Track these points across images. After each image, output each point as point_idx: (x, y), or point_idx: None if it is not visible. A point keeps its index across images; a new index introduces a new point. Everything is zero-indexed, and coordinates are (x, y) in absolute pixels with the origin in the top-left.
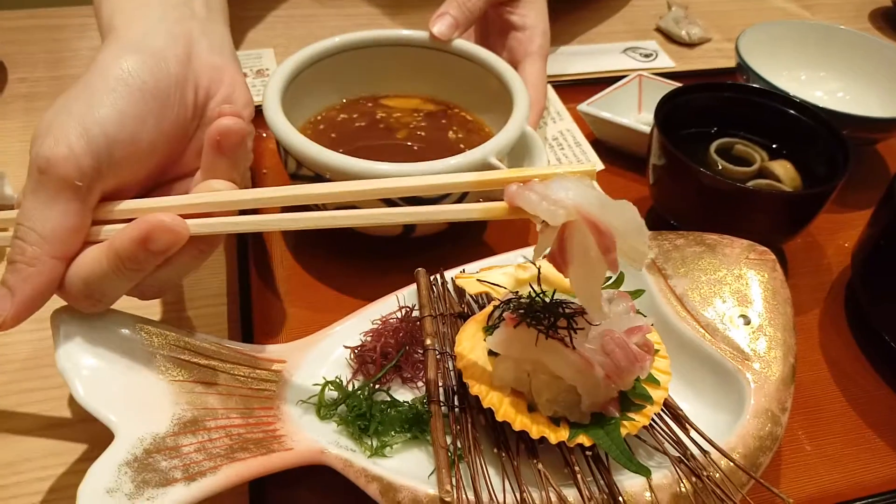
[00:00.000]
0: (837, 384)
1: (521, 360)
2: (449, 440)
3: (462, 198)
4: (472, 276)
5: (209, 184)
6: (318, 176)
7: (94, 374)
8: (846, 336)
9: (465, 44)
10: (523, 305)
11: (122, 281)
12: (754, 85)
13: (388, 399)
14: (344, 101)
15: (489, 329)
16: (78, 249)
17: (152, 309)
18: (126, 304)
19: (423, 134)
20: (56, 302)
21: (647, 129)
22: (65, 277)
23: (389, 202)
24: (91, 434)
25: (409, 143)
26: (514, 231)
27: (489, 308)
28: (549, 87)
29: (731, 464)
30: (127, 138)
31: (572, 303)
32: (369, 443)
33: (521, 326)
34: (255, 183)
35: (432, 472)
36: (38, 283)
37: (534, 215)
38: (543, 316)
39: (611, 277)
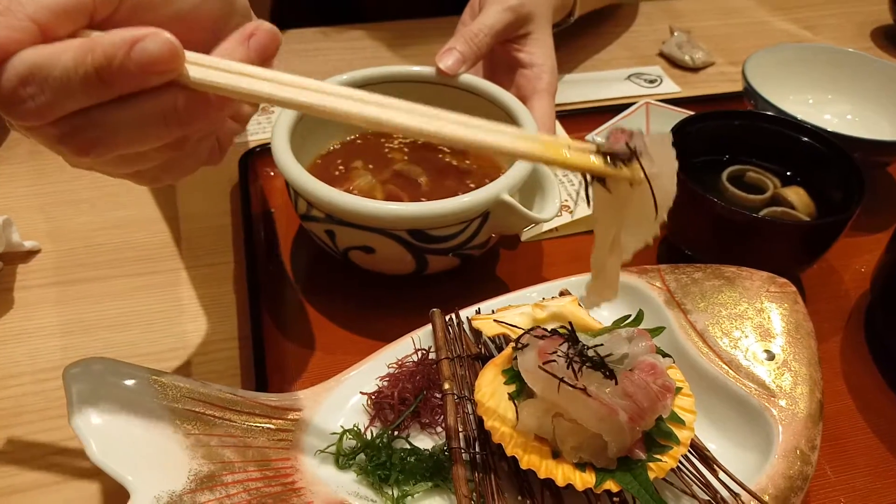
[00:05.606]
0: (862, 415)
1: (547, 405)
2: (471, 487)
3: (476, 234)
4: (489, 317)
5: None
6: (329, 217)
7: (108, 431)
8: (868, 364)
9: (473, 78)
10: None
11: (77, 90)
12: (765, 112)
13: (408, 447)
14: (350, 137)
15: (508, 372)
16: (59, 35)
17: (163, 356)
18: (138, 350)
19: (433, 169)
20: (68, 357)
21: None
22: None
23: (399, 239)
24: (106, 487)
25: (420, 179)
26: (526, 265)
27: (508, 350)
28: (557, 122)
29: None
30: None
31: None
32: (390, 492)
33: (549, 364)
34: (265, 223)
35: None
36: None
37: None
38: (567, 364)
39: (629, 316)
